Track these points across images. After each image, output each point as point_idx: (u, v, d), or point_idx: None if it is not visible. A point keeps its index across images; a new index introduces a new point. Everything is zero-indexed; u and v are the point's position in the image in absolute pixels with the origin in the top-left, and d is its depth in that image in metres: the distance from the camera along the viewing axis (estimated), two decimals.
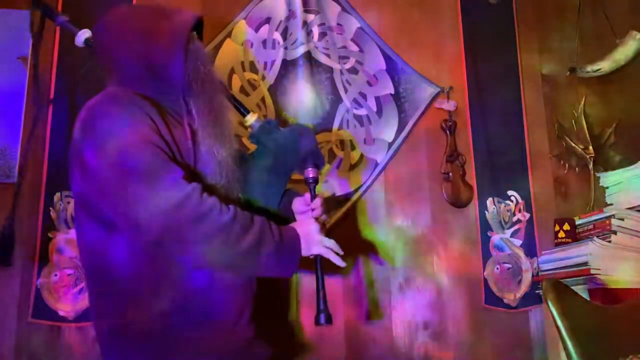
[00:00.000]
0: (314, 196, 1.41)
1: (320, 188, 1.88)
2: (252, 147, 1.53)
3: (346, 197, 2.07)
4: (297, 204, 1.45)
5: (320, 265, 1.32)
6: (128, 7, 1.46)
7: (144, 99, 1.19)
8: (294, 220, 1.42)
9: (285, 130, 1.49)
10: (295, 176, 1.51)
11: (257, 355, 1.28)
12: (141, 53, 1.22)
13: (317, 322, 1.29)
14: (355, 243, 2.04)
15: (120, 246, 1.16)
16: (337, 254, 1.31)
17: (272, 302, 1.90)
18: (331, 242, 1.30)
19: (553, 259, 2.01)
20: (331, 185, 2.06)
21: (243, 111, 1.46)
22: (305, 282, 1.93)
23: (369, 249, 2.04)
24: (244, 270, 1.23)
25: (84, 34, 1.46)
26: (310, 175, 1.42)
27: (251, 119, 1.46)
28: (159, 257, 1.15)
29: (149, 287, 1.16)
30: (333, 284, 1.95)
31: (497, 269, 2.12)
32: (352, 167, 2.10)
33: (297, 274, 1.95)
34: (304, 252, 1.26)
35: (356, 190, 2.08)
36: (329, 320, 1.29)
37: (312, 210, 1.39)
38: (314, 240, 1.28)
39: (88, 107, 1.19)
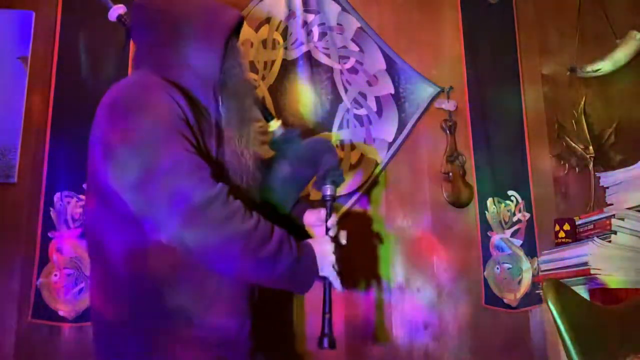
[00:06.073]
0: (329, 214, 1.38)
1: None
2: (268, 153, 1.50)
3: (346, 197, 2.07)
4: (309, 217, 1.44)
5: (328, 288, 1.30)
6: None
7: (174, 87, 1.15)
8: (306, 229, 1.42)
9: (307, 142, 1.47)
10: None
11: None
12: (180, 44, 1.20)
13: (320, 345, 1.26)
14: (354, 242, 2.03)
15: (129, 241, 1.12)
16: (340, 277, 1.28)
17: (273, 310, 1.88)
18: (338, 267, 1.27)
19: (553, 259, 2.00)
20: None
21: (267, 116, 1.43)
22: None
23: (369, 249, 2.04)
24: (258, 279, 1.20)
25: (117, 10, 1.37)
26: (328, 193, 1.40)
27: (275, 125, 1.43)
28: (169, 258, 1.11)
29: (154, 288, 1.12)
30: None
31: (497, 269, 2.12)
32: (352, 167, 2.10)
33: None
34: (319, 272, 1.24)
35: (356, 190, 2.08)
36: (333, 345, 1.25)
37: (328, 229, 1.35)
38: (327, 261, 1.25)
39: (115, 93, 1.15)
